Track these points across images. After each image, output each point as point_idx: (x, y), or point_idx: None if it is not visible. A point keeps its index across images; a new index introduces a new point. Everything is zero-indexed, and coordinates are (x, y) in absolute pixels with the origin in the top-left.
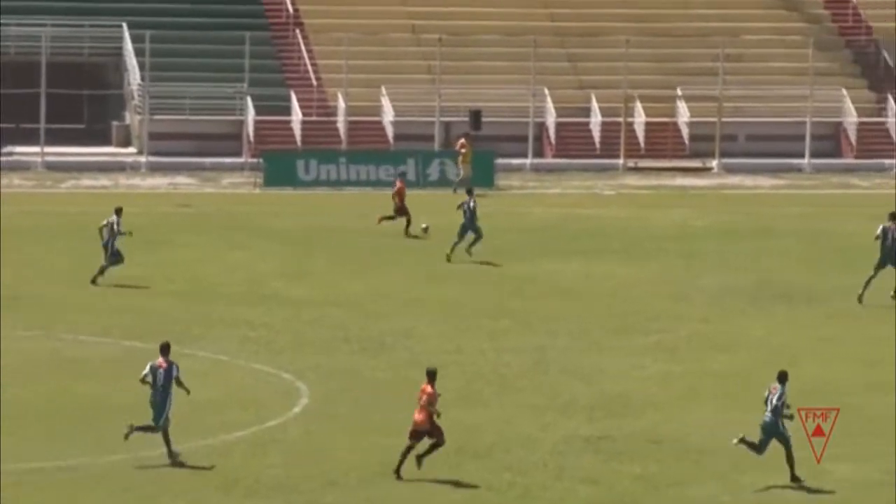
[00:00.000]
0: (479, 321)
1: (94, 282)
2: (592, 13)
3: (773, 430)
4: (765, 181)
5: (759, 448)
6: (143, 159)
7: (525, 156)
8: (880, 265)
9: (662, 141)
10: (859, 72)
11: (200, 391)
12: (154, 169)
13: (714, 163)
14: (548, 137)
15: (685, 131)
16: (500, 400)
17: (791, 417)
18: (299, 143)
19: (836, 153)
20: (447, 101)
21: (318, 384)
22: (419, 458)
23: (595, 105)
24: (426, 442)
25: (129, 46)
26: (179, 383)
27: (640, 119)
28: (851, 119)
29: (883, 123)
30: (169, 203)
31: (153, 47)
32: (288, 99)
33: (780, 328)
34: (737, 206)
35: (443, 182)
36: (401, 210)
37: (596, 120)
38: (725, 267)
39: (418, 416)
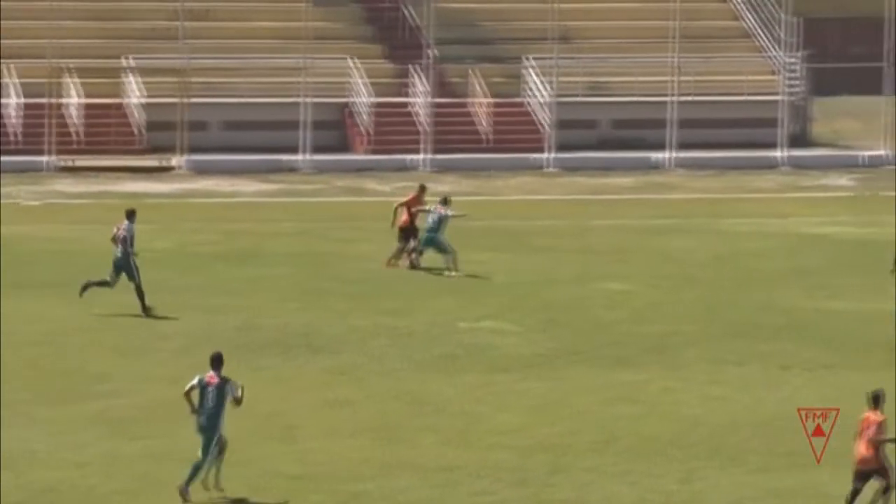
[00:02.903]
0: None
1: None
2: None
3: None
4: (248, 185)
5: None
6: None
7: None
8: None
9: (106, 130)
10: (373, 35)
11: None
12: None
13: (178, 160)
14: None
15: (138, 117)
16: None
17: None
18: None
19: (345, 146)
20: None
21: None
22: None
23: (12, 81)
24: (874, 485)
25: None
26: (238, 402)
27: (74, 100)
28: (364, 100)
29: (406, 106)
30: None
31: None
32: None
33: (272, 388)
34: (211, 219)
35: None
36: (407, 232)
37: (12, 101)
38: (198, 306)
39: (863, 450)
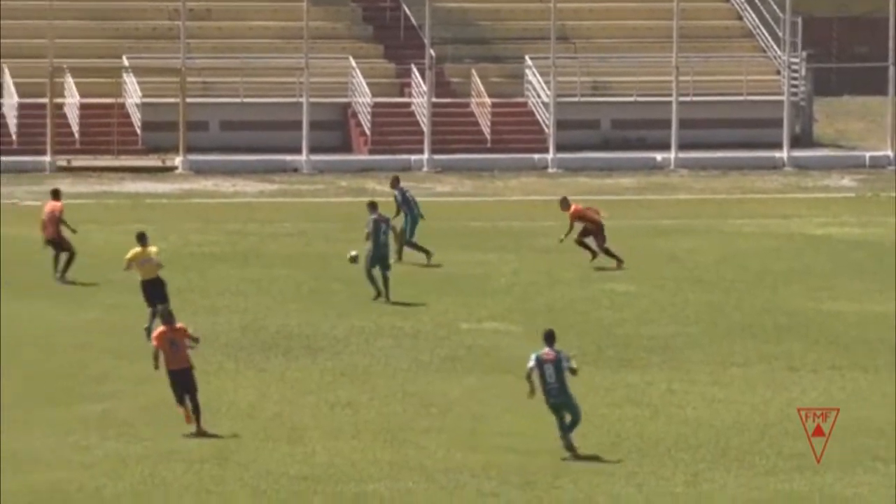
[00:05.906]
0: None
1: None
2: None
3: None
4: (249, 185)
5: None
6: None
7: None
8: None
9: (105, 130)
10: (372, 34)
11: None
12: None
13: (178, 160)
14: None
15: (137, 117)
16: None
17: None
18: None
19: (346, 147)
20: None
21: None
22: None
23: (8, 80)
24: None
25: None
26: (573, 372)
27: (73, 100)
28: (364, 100)
29: (408, 105)
30: None
31: None
32: None
33: (276, 389)
34: (211, 220)
35: None
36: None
37: (11, 101)
38: (198, 307)
39: None
